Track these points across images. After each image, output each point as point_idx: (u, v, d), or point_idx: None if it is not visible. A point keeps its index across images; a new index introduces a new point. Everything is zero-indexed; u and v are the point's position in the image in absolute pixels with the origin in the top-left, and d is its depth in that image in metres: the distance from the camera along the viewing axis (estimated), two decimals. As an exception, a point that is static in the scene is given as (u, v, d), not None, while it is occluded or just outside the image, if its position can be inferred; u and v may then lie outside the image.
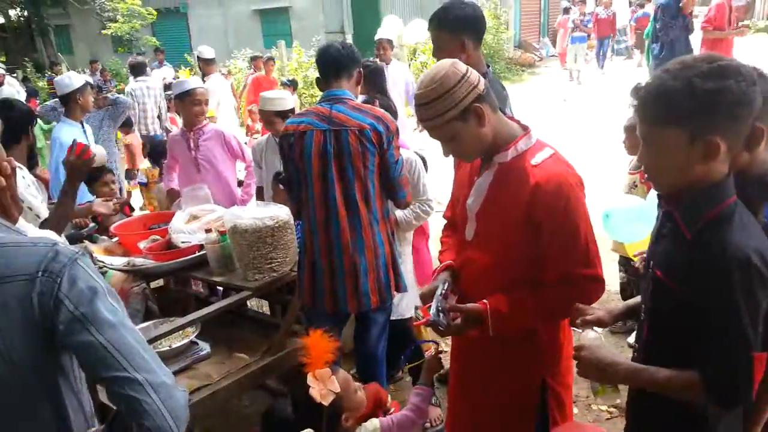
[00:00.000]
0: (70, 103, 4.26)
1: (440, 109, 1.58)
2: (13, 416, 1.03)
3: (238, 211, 2.90)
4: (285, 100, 3.61)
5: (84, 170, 2.38)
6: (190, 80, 3.89)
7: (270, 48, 17.42)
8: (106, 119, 5.27)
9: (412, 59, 13.52)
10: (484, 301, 1.68)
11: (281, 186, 3.15)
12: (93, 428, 1.16)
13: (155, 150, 4.27)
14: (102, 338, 1.00)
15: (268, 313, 3.50)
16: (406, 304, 3.11)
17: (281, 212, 2.87)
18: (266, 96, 3.64)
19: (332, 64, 2.47)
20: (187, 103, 3.76)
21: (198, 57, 7.59)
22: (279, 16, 18.93)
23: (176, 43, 18.38)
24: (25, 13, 20.34)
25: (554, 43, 19.64)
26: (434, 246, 3.64)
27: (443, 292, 1.74)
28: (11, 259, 0.99)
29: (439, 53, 2.38)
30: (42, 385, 1.05)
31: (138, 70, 7.46)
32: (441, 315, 1.67)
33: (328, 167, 2.40)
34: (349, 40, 18.49)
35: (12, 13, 20.69)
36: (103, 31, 17.54)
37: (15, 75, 14.92)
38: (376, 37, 6.49)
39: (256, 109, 7.89)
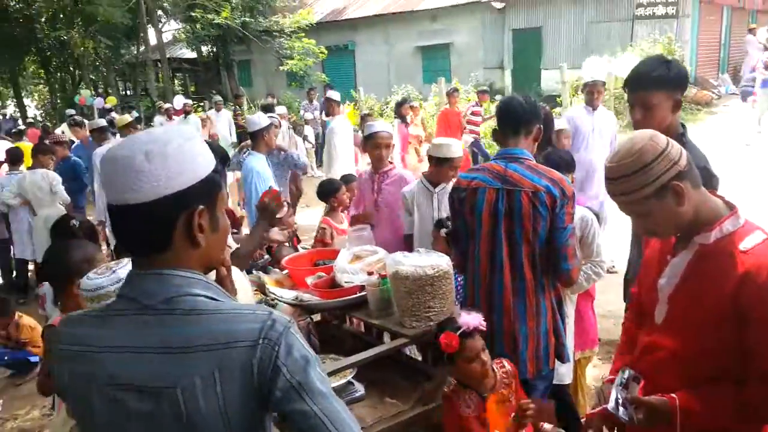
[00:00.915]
0: (258, 139, 4.78)
1: (634, 185, 1.47)
2: None
3: (399, 257, 2.94)
4: (451, 146, 3.64)
5: (274, 215, 2.62)
6: (377, 123, 4.03)
7: (429, 83, 17.91)
8: (282, 164, 5.85)
9: (573, 96, 13.07)
10: (673, 395, 1.52)
11: (442, 234, 3.15)
12: None
13: (321, 192, 4.52)
14: (316, 407, 1.04)
15: (419, 358, 3.49)
16: (566, 369, 2.94)
17: (442, 262, 2.87)
18: (435, 142, 3.72)
19: (512, 119, 2.41)
20: (369, 145, 3.89)
21: (327, 98, 8.34)
22: (439, 52, 19.40)
23: (342, 78, 19.56)
24: (214, 50, 22.89)
25: (734, 80, 17.95)
26: (598, 307, 3.43)
27: (623, 381, 1.59)
28: (234, 325, 1.06)
29: (647, 113, 2.18)
30: None
31: (268, 109, 8.54)
32: (621, 408, 1.53)
33: (497, 226, 2.34)
34: (508, 75, 18.43)
35: (204, 49, 23.39)
36: (280, 68, 19.16)
37: (202, 105, 16.75)
38: (590, 78, 5.98)
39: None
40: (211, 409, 1.03)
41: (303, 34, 18.82)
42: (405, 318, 2.86)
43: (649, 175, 1.45)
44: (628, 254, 2.67)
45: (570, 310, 2.97)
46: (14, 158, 6.93)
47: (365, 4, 21.53)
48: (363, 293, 3.14)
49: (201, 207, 1.09)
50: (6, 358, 5.16)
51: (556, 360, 2.54)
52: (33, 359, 5.23)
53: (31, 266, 7.11)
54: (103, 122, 7.75)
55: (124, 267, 1.98)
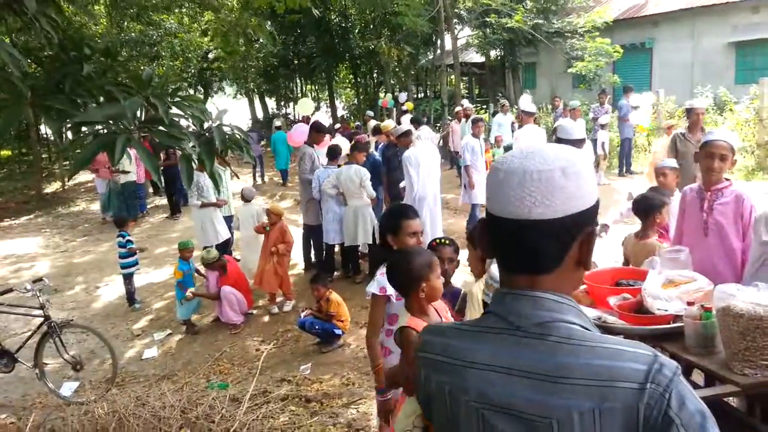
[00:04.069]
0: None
1: None
2: None
3: (732, 289, 2.57)
4: None
5: None
6: (717, 131, 3.54)
7: (743, 83, 15.49)
8: None
9: None
10: None
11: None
12: None
13: (638, 207, 4.07)
14: None
15: (738, 407, 3.01)
16: None
17: (791, 302, 2.42)
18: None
19: None
20: (701, 155, 3.45)
21: (522, 110, 8.49)
22: (759, 48, 16.63)
23: (636, 79, 18.05)
24: (502, 53, 23.22)
25: None
26: None
27: None
28: (617, 362, 0.98)
29: None
30: None
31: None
32: None
33: None
34: None
35: (492, 53, 23.92)
36: (568, 70, 18.50)
37: (486, 107, 17.09)
38: None
39: None
40: None
41: (597, 33, 17.86)
42: (734, 362, 2.48)
43: None
44: None
45: None
46: (332, 154, 7.91)
47: (669, -2, 19.58)
48: (678, 324, 2.83)
49: (594, 229, 1.07)
50: (317, 327, 5.98)
51: None
52: (337, 332, 5.98)
53: (336, 249, 8.12)
54: (406, 128, 8.30)
55: None
